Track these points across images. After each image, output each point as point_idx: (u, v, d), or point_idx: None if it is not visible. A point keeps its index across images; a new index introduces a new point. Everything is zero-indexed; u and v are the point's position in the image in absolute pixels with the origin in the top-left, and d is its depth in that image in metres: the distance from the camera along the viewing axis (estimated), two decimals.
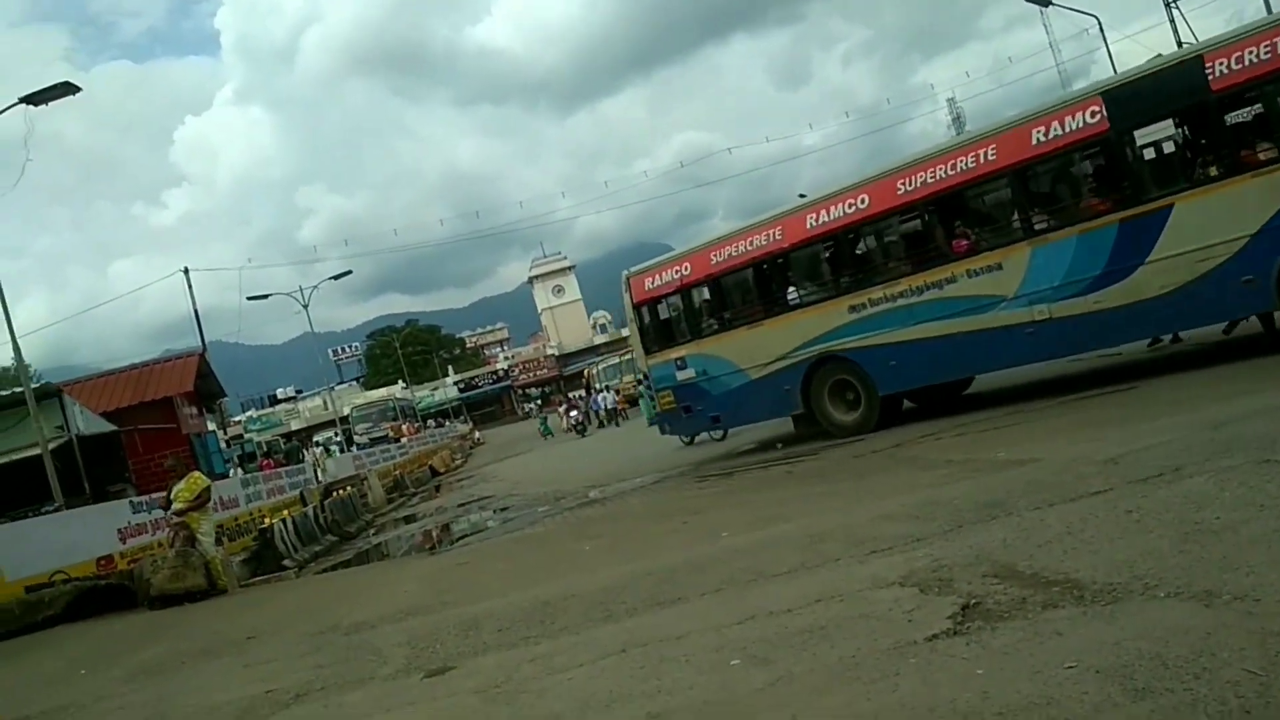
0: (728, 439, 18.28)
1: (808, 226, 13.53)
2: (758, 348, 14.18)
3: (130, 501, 14.25)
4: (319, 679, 5.85)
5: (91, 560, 12.29)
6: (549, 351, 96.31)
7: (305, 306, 38.98)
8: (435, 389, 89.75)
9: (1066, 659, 3.38)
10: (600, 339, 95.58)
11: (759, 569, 6.14)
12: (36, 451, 17.10)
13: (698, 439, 18.92)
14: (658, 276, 15.58)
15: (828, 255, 13.95)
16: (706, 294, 15.19)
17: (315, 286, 40.39)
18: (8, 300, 17.40)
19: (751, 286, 14.79)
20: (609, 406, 39.50)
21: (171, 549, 11.52)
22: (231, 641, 7.97)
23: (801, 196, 15.43)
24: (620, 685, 4.46)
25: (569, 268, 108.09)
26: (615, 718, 4.04)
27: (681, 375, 15.18)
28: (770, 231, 14.02)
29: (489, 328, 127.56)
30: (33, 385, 18.28)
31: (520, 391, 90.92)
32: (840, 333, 13.22)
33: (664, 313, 15.79)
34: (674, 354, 15.33)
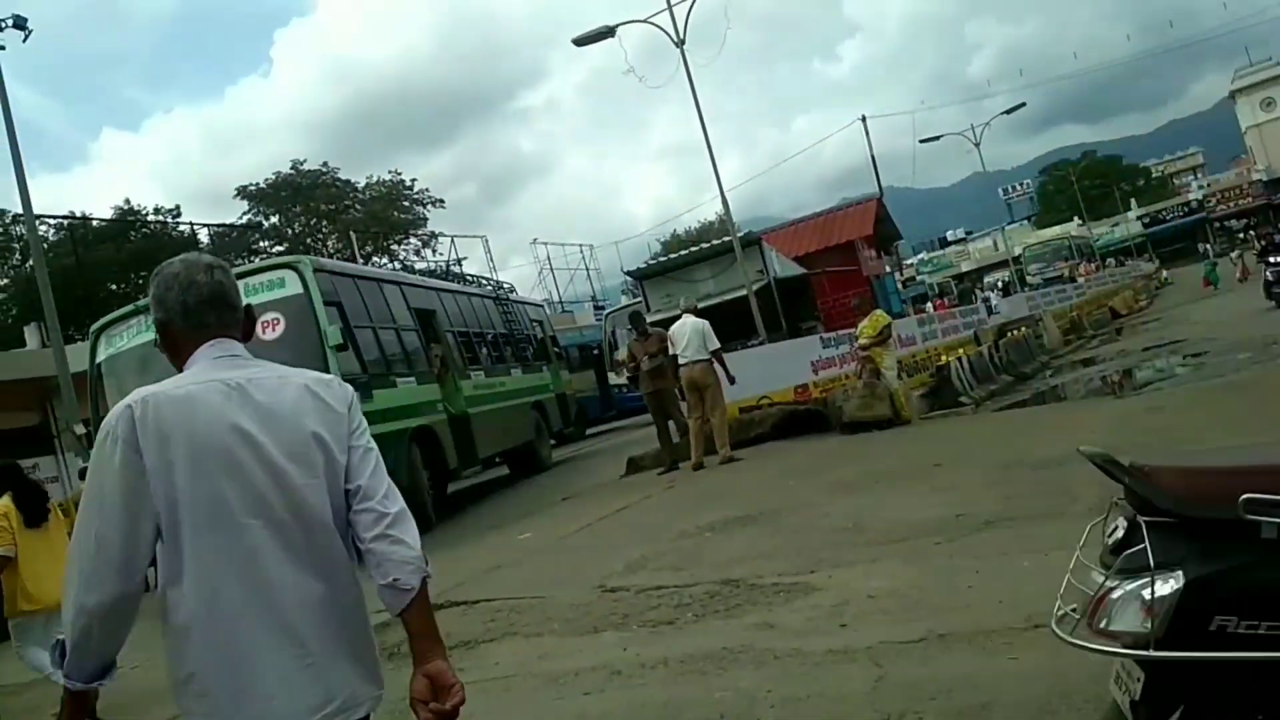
0: None
1: None
2: None
3: (820, 337, 15.62)
4: (1007, 509, 5.97)
5: (790, 388, 13.80)
6: (1254, 177, 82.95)
7: (976, 145, 38.37)
8: (1115, 225, 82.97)
9: None
10: None
11: None
12: (743, 293, 19.53)
13: None
14: None
15: None
16: None
17: (986, 124, 39.46)
18: (716, 160, 19.83)
19: None
20: None
21: (859, 380, 12.45)
22: (918, 467, 8.44)
23: None
24: None
25: None
26: None
27: None
28: None
29: (1179, 154, 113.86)
30: (737, 236, 20.75)
31: (1218, 225, 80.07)
32: None
33: None
34: None
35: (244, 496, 1.82)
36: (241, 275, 10.06)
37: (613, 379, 24.27)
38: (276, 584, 1.82)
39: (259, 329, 9.25)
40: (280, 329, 9.77)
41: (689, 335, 11.31)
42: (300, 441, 1.90)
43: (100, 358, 10.86)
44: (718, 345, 11.40)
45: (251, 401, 1.88)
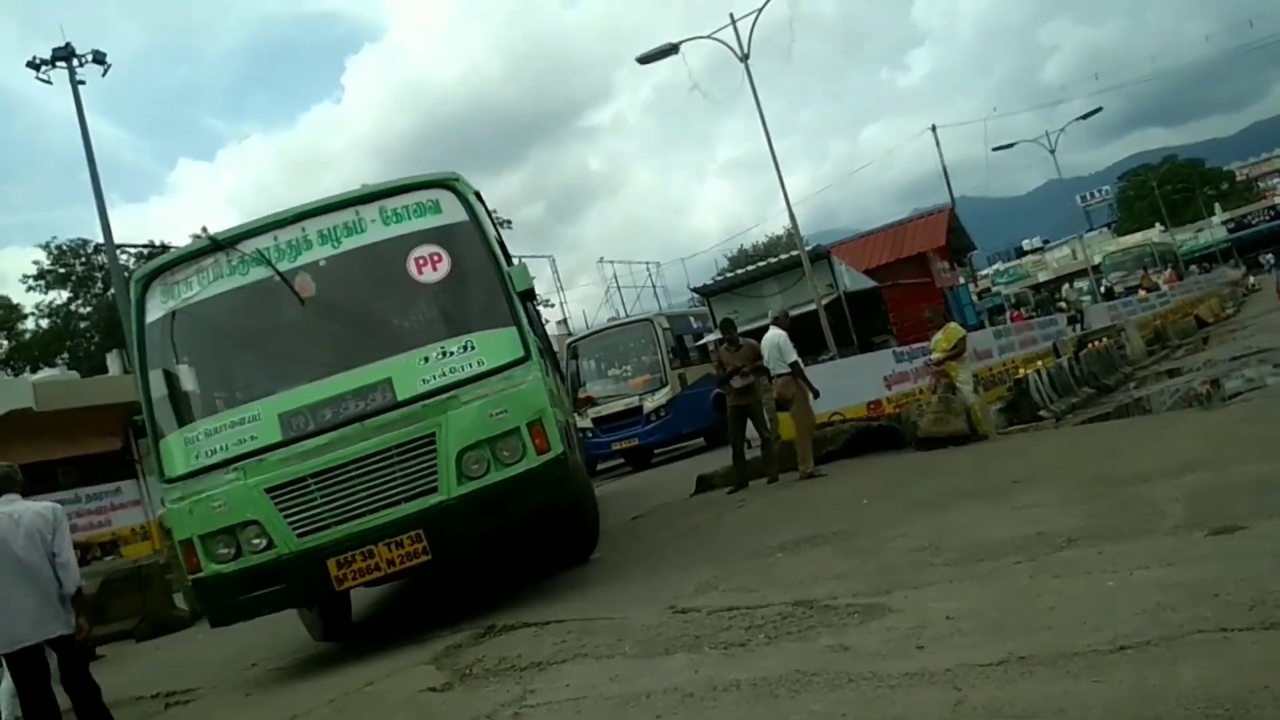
0: None
1: None
2: None
3: (893, 351, 15.37)
4: (1090, 527, 5.78)
5: (862, 404, 13.57)
6: None
7: (1052, 152, 37.64)
8: (1199, 231, 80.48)
9: None
10: None
11: None
12: (812, 307, 19.36)
13: None
14: None
15: None
16: None
17: (1062, 130, 38.76)
18: (782, 174, 19.74)
19: None
20: None
21: (934, 395, 12.20)
22: (997, 484, 8.22)
23: None
24: None
25: None
26: None
27: None
28: None
29: (1264, 156, 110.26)
30: (805, 249, 20.59)
31: None
32: None
33: None
34: None
35: (8, 560, 5.53)
36: (375, 196, 7.68)
37: (577, 421, 18.33)
38: (21, 588, 5.52)
39: (414, 269, 7.35)
40: (443, 268, 7.39)
41: (768, 349, 11.23)
42: (33, 536, 5.62)
43: (152, 317, 7.45)
44: (795, 358, 11.23)
45: (14, 519, 5.63)
